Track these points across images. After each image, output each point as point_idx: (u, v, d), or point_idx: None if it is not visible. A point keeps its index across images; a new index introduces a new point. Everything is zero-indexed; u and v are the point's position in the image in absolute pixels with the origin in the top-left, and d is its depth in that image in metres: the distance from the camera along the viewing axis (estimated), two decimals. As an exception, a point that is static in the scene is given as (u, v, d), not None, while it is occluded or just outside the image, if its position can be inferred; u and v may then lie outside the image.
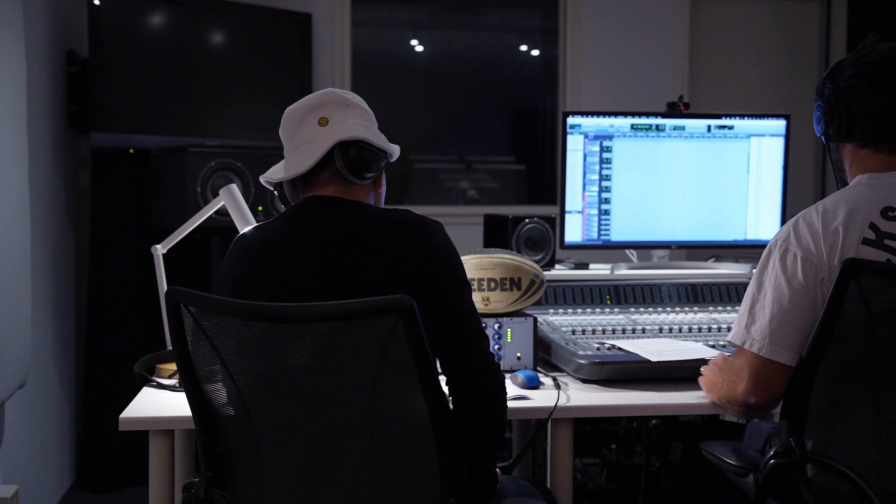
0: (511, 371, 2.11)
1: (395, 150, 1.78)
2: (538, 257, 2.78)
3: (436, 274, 1.59)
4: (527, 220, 2.79)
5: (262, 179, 1.81)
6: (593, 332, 2.33)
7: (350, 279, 1.56)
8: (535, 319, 2.21)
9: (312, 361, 1.39)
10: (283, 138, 1.75)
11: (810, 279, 1.60)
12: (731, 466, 1.72)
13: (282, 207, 3.68)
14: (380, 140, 1.71)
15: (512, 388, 1.97)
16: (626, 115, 2.85)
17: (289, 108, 1.74)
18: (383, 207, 1.71)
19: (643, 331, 2.36)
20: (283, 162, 1.75)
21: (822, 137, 1.72)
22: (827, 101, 1.68)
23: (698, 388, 1.99)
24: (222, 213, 2.33)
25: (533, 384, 2.00)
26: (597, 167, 2.85)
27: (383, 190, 1.80)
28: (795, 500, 1.61)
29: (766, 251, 1.68)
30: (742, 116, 2.89)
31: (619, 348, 2.14)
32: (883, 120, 1.64)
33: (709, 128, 2.88)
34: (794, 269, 1.61)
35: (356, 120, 1.70)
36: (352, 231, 1.61)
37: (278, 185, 1.80)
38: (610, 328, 2.35)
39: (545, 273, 2.42)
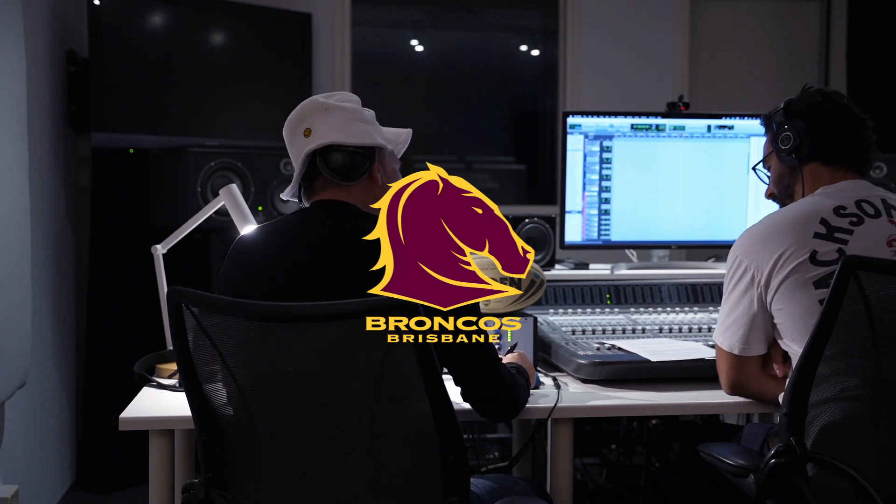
0: (511, 371, 2.11)
1: (393, 138, 1.78)
2: (538, 257, 2.78)
3: None
4: (527, 220, 2.79)
5: (282, 197, 1.84)
6: (593, 332, 2.33)
7: (352, 283, 1.57)
8: (535, 319, 2.21)
9: (314, 361, 1.39)
10: None
11: (748, 282, 1.81)
12: (731, 467, 1.72)
13: (282, 206, 3.67)
14: (359, 138, 1.70)
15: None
16: (626, 115, 2.85)
17: (286, 122, 1.76)
18: None
19: (643, 331, 2.36)
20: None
21: (792, 156, 1.92)
22: (796, 126, 1.91)
23: (698, 388, 2.00)
24: (222, 213, 2.32)
25: (534, 385, 2.00)
26: (597, 167, 2.85)
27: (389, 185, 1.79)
28: (795, 500, 1.61)
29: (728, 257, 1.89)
30: (742, 116, 2.89)
31: (619, 348, 2.14)
32: (844, 143, 1.90)
33: (709, 128, 2.88)
34: (742, 276, 1.82)
35: (334, 123, 1.70)
36: (355, 239, 1.61)
37: (299, 198, 1.82)
38: (610, 328, 2.35)
39: (545, 273, 2.42)
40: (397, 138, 1.79)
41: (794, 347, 1.78)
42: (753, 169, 2.11)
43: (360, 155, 1.70)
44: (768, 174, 2.05)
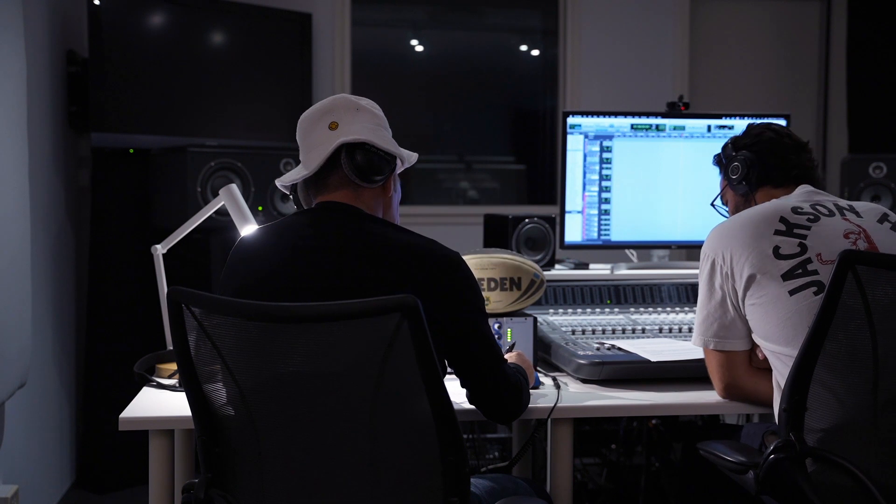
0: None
1: (407, 156, 1.79)
2: (538, 257, 2.78)
3: (457, 307, 1.64)
4: (527, 220, 2.79)
5: (277, 182, 1.83)
6: (593, 332, 2.33)
7: (362, 286, 1.57)
8: (535, 319, 2.21)
9: (315, 361, 1.39)
10: (298, 143, 1.77)
11: (714, 273, 1.87)
12: (731, 464, 1.72)
13: (282, 206, 3.67)
14: (388, 144, 1.72)
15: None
16: (626, 115, 2.85)
17: (303, 114, 1.77)
18: (402, 233, 1.67)
19: (643, 331, 2.36)
20: (298, 166, 1.77)
21: (743, 183, 2.05)
22: (742, 156, 2.06)
23: (698, 387, 2.00)
24: (222, 213, 2.32)
25: (533, 384, 2.00)
26: (597, 167, 2.85)
27: (395, 196, 1.80)
28: (795, 498, 1.62)
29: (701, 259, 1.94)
30: (742, 116, 2.89)
31: (619, 348, 2.14)
32: (790, 164, 2.03)
33: (709, 128, 2.88)
34: (709, 270, 1.88)
35: (365, 124, 1.71)
36: (364, 242, 1.61)
37: (293, 189, 1.81)
38: (610, 328, 2.35)
39: (545, 273, 2.42)
40: (409, 158, 1.81)
41: (766, 344, 1.82)
42: (712, 205, 2.21)
43: (385, 161, 1.71)
44: (727, 208, 2.16)
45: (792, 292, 1.76)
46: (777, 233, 1.82)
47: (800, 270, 1.77)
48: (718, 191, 2.18)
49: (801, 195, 1.96)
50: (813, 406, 1.61)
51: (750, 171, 2.03)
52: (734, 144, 2.11)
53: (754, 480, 1.67)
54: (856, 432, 1.62)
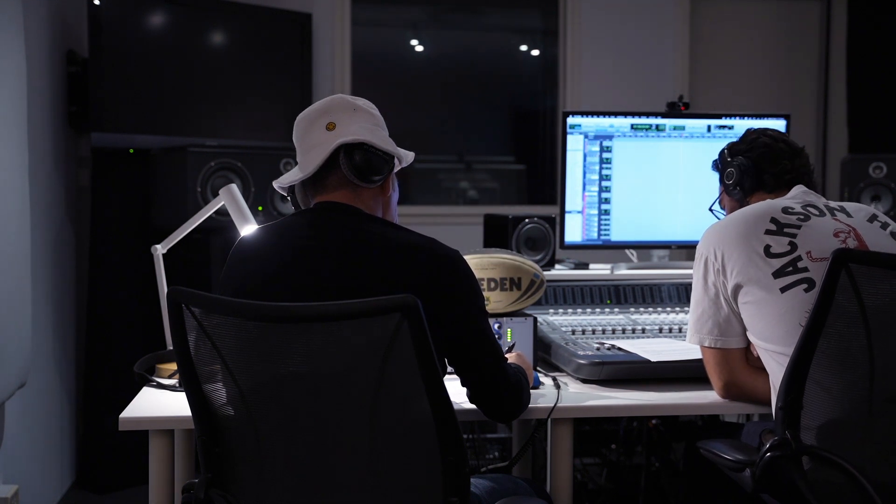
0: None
1: (404, 156, 1.79)
2: (538, 257, 2.78)
3: (457, 306, 1.63)
4: (527, 220, 2.79)
5: (275, 184, 1.83)
6: (593, 332, 2.33)
7: (363, 286, 1.57)
8: (535, 319, 2.21)
9: (315, 361, 1.39)
10: (295, 144, 1.77)
11: (712, 277, 1.89)
12: (728, 462, 1.73)
13: (282, 206, 3.66)
14: (386, 144, 1.72)
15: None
16: (626, 115, 2.85)
17: (300, 115, 1.77)
18: (402, 232, 1.68)
19: (643, 331, 2.36)
20: (296, 168, 1.77)
21: (737, 189, 2.08)
22: (737, 162, 2.09)
23: (698, 387, 2.00)
24: (222, 213, 2.32)
25: (533, 384, 2.00)
26: (597, 167, 2.85)
27: (394, 195, 1.80)
28: (792, 495, 1.62)
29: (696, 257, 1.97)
30: (742, 116, 2.89)
31: (619, 348, 2.14)
32: (783, 170, 2.05)
33: (709, 128, 2.88)
34: (703, 267, 1.91)
35: (362, 124, 1.71)
36: (365, 241, 1.61)
37: (290, 191, 1.81)
38: (610, 328, 2.35)
39: (545, 273, 2.42)
40: (407, 157, 1.81)
41: (760, 343, 1.83)
42: (710, 210, 2.24)
43: (383, 161, 1.71)
44: (724, 213, 2.18)
45: (783, 289, 1.77)
46: (768, 232, 1.83)
47: (790, 268, 1.78)
48: (717, 195, 2.20)
49: (793, 196, 1.97)
50: (808, 404, 1.62)
51: (744, 177, 2.06)
52: (730, 150, 2.13)
53: (751, 478, 1.67)
54: (851, 430, 1.63)
